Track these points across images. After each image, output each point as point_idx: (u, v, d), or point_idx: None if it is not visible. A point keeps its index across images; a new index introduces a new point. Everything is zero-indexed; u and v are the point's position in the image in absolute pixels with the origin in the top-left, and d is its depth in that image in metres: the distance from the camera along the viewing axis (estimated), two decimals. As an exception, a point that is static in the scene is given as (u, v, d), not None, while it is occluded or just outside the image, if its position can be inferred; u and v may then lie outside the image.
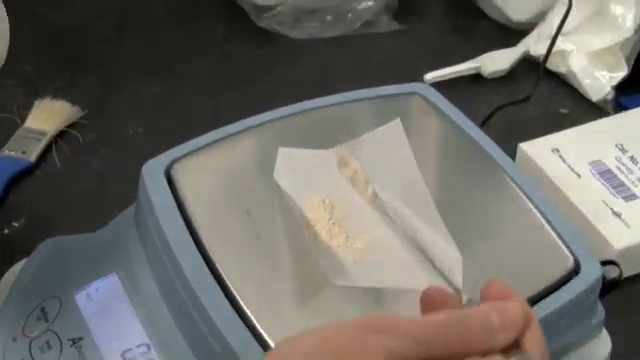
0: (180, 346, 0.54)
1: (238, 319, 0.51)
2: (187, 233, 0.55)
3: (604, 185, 0.73)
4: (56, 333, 0.56)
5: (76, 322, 0.56)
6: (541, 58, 0.88)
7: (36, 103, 0.84)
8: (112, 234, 0.61)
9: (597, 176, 0.73)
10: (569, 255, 0.54)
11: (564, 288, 0.53)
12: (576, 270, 0.54)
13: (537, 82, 0.84)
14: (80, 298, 0.58)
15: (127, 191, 0.71)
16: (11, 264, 0.65)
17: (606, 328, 0.59)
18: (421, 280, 0.52)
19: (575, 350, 0.56)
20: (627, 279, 0.69)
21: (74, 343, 0.55)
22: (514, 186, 0.59)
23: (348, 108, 0.65)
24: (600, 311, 0.56)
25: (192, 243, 0.55)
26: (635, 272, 0.70)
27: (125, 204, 0.67)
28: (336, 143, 0.60)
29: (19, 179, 0.78)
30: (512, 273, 0.53)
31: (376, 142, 0.58)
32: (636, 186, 0.72)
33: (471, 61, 0.91)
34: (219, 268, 0.53)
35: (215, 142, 0.62)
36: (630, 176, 0.73)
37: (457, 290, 0.51)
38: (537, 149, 0.76)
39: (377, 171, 0.57)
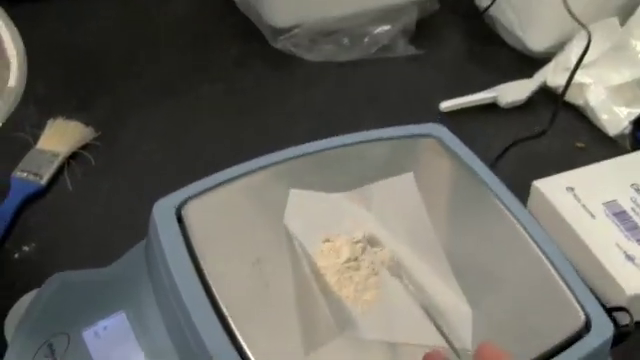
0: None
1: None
2: (196, 277, 0.55)
3: (618, 227, 0.72)
4: (63, 373, 0.56)
5: (83, 362, 0.56)
6: (558, 89, 0.87)
7: (49, 123, 0.84)
8: (122, 270, 0.61)
9: (611, 217, 0.73)
10: (580, 311, 0.54)
11: (574, 347, 0.52)
12: (587, 327, 0.54)
13: (554, 116, 0.83)
14: (88, 335, 0.58)
15: (136, 219, 0.71)
16: (21, 291, 0.66)
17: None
18: (429, 336, 0.51)
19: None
20: (638, 323, 0.69)
21: (81, 384, 0.55)
22: (527, 237, 0.58)
23: (361, 149, 0.64)
24: (611, 366, 0.56)
25: (201, 288, 0.54)
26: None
27: (134, 233, 0.67)
28: (348, 185, 0.60)
29: (31, 201, 0.78)
30: (521, 330, 0.53)
31: (387, 191, 0.58)
32: (650, 229, 0.72)
33: (488, 91, 0.90)
34: (227, 316, 0.53)
35: (227, 182, 0.61)
36: (645, 218, 0.73)
37: (466, 350, 0.50)
38: (551, 187, 0.76)
39: (387, 220, 0.57)
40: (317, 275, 0.55)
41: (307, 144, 0.64)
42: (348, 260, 0.55)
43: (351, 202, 0.58)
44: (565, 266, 0.56)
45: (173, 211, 0.59)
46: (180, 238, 0.57)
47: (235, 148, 0.84)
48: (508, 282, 0.55)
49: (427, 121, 0.87)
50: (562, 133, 0.87)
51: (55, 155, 0.81)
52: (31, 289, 0.65)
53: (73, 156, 0.82)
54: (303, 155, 0.64)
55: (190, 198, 0.60)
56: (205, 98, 0.90)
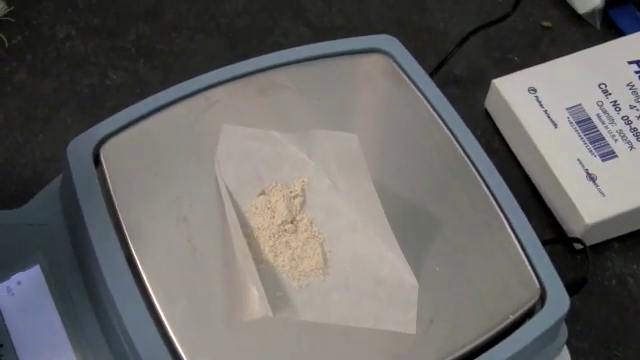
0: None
1: (159, 339, 0.46)
2: (115, 237, 0.50)
3: (581, 138, 0.66)
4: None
5: (-5, 324, 0.52)
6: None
7: (-49, -6, 0.74)
8: (38, 212, 0.55)
9: (575, 126, 0.67)
10: (536, 284, 0.50)
11: (527, 325, 0.49)
12: (542, 300, 0.49)
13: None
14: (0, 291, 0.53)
15: (56, 114, 0.64)
16: None
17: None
18: (370, 317, 0.47)
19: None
20: (595, 246, 0.65)
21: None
22: (483, 186, 0.53)
23: (304, 69, 0.57)
24: (563, 333, 0.52)
25: (120, 251, 0.49)
26: (603, 240, 0.66)
27: (53, 133, 0.62)
28: (286, 118, 0.54)
29: None
30: (471, 305, 0.49)
31: (331, 146, 0.51)
32: (616, 141, 0.66)
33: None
34: (147, 283, 0.48)
35: (151, 114, 0.54)
36: (611, 127, 0.67)
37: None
38: (512, 87, 0.69)
39: (328, 173, 0.51)
40: (250, 239, 0.49)
41: (242, 64, 0.57)
42: (284, 222, 0.50)
43: (290, 144, 0.52)
44: (524, 228, 0.51)
45: (90, 153, 0.53)
46: (98, 188, 0.51)
47: (159, 27, 0.76)
48: (457, 246, 0.51)
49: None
50: (527, 8, 0.79)
51: (-35, 35, 0.72)
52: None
53: (-18, 36, 0.73)
54: (238, 77, 0.56)
55: (109, 136, 0.53)
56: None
